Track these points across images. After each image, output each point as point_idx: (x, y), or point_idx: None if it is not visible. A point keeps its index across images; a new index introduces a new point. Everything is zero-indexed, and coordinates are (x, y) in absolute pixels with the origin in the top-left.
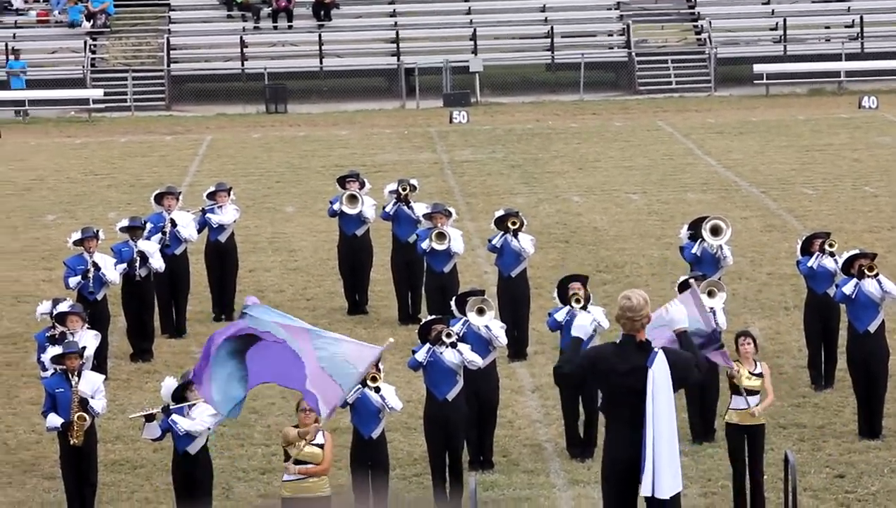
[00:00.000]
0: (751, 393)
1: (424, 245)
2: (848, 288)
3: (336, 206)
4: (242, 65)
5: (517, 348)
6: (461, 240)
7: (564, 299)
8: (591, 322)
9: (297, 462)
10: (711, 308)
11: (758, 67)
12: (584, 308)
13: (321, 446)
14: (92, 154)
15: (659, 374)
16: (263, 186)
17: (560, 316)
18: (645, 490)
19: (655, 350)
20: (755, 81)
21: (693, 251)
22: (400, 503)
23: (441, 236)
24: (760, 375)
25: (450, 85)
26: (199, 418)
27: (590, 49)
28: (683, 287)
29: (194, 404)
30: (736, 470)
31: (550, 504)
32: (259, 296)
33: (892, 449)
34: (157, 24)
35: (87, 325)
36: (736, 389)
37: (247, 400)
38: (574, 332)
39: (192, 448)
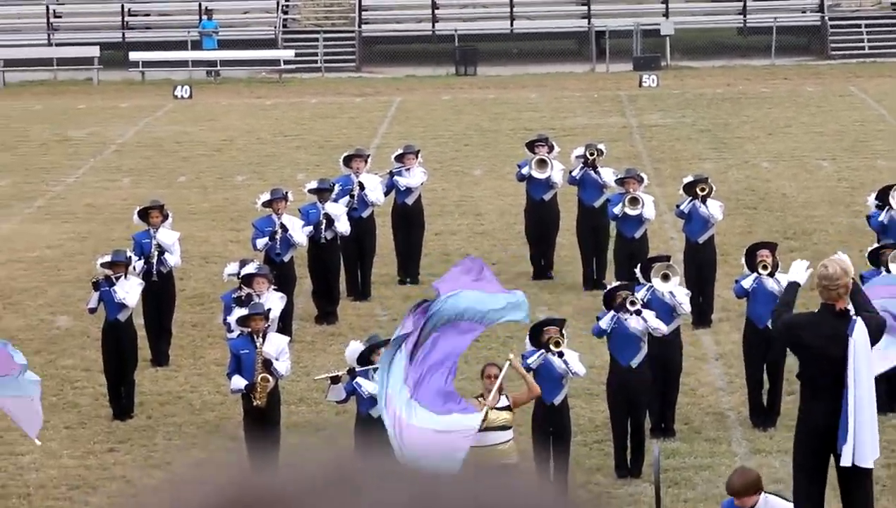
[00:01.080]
0: None
1: (616, 210)
2: None
3: (525, 170)
4: (433, 26)
5: (701, 315)
6: (653, 206)
7: (752, 266)
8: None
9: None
10: None
11: None
12: (772, 275)
13: (509, 408)
14: (282, 115)
15: (859, 342)
16: (452, 149)
17: (747, 283)
18: (845, 461)
19: (854, 318)
20: None
21: (880, 219)
22: (581, 469)
23: (634, 201)
24: None
25: (640, 48)
26: None
27: (782, 13)
28: (873, 256)
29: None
30: None
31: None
32: (445, 260)
33: None
34: None
35: (273, 287)
36: None
37: None
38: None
39: (376, 412)
